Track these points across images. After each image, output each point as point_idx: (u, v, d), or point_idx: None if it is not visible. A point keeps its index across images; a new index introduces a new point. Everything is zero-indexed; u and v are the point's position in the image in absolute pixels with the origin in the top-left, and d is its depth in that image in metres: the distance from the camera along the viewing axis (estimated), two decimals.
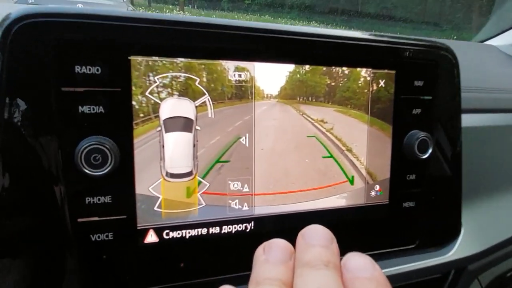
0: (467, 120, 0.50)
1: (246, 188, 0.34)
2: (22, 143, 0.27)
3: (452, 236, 0.44)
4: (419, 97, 0.40)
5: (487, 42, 1.18)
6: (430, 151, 0.39)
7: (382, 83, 0.38)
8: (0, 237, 0.27)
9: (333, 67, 0.36)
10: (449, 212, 0.43)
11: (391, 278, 0.39)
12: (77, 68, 0.27)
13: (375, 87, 0.38)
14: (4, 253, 0.28)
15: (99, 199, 0.29)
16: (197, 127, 0.32)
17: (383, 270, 0.39)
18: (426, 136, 0.39)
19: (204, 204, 0.33)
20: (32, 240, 0.28)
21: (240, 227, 0.34)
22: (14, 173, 0.27)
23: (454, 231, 0.44)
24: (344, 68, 0.37)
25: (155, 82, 0.30)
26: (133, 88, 0.29)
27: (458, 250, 0.43)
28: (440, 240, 0.43)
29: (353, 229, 0.39)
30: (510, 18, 1.17)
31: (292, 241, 0.36)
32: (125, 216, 0.30)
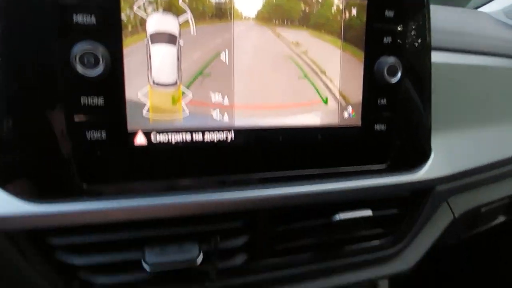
0: (444, 57, 0.53)
1: (226, 100, 0.38)
2: (26, 45, 0.31)
3: (422, 160, 0.47)
4: (390, 26, 0.43)
5: (482, 8, 1.20)
6: (398, 76, 0.42)
7: (354, 11, 0.41)
8: (8, 132, 0.31)
9: None
10: (419, 136, 0.47)
11: (366, 192, 0.43)
12: None
13: (347, 15, 0.41)
14: (12, 148, 0.32)
15: (93, 101, 0.33)
16: (181, 42, 0.35)
17: (357, 185, 0.42)
18: (395, 62, 0.42)
19: (188, 113, 0.37)
20: (36, 136, 0.32)
21: (221, 136, 0.38)
22: (19, 74, 0.31)
23: (423, 155, 0.47)
24: None
25: None
26: (122, 2, 0.33)
27: (426, 172, 0.47)
28: (410, 162, 0.47)
29: (328, 148, 0.43)
30: None
31: (266, 152, 0.40)
32: (117, 118, 0.34)
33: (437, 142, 0.49)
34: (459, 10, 1.28)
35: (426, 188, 0.48)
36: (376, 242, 0.49)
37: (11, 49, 0.31)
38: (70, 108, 0.32)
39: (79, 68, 0.31)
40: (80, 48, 0.31)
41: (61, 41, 0.31)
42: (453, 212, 0.55)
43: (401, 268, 0.51)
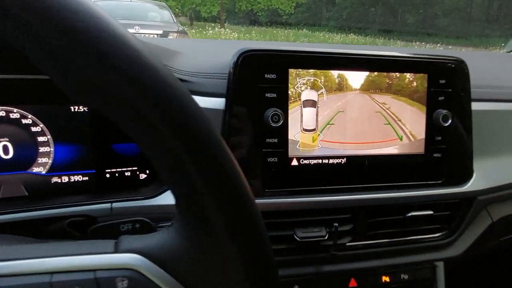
0: (484, 105, 0.75)
1: (342, 138, 0.62)
2: (244, 111, 0.57)
3: (466, 178, 0.69)
4: (443, 90, 0.66)
5: None
6: (449, 121, 0.65)
7: (419, 81, 0.65)
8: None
9: (390, 73, 0.64)
10: (464, 161, 0.69)
11: (428, 198, 0.65)
12: (266, 75, 0.57)
13: (415, 84, 0.65)
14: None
15: (272, 140, 0.59)
16: (318, 105, 0.61)
17: (422, 194, 0.65)
18: (447, 113, 0.65)
19: (320, 146, 0.61)
20: (244, 160, 0.58)
21: (339, 160, 0.62)
22: (242, 127, 0.57)
23: (468, 175, 0.69)
24: (397, 73, 0.64)
25: (299, 81, 0.59)
26: (289, 85, 0.59)
27: (470, 186, 0.69)
28: (458, 180, 0.69)
29: (402, 168, 0.66)
30: None
31: (365, 170, 0.63)
32: (283, 150, 0.59)
33: (478, 166, 0.71)
34: (495, 54, 1.48)
35: (469, 197, 0.69)
36: (434, 234, 0.70)
37: (240, 113, 0.57)
38: (261, 144, 0.58)
39: (270, 123, 0.57)
40: (270, 111, 0.57)
41: (260, 108, 0.57)
42: (491, 218, 0.76)
43: (452, 254, 0.72)
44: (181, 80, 0.59)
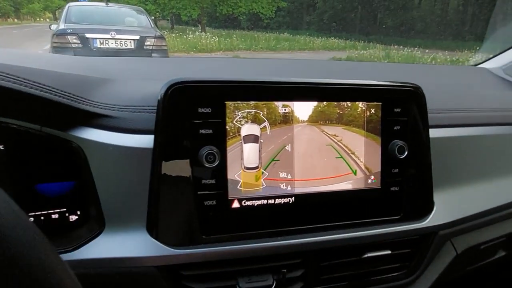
0: (444, 132, 0.71)
1: (289, 176, 0.56)
2: (175, 150, 0.50)
3: (426, 212, 0.64)
4: (398, 119, 0.61)
5: (483, 65, 1.37)
6: (406, 153, 0.60)
7: (373, 110, 0.60)
8: (161, 206, 0.51)
9: (341, 102, 0.59)
10: (423, 194, 0.64)
11: (385, 236, 0.60)
12: (200, 109, 0.51)
13: (368, 113, 0.60)
14: (162, 216, 0.51)
15: (209, 181, 0.52)
16: (261, 140, 0.55)
17: (379, 232, 0.59)
18: (403, 144, 0.60)
19: (265, 185, 0.55)
20: (175, 207, 0.51)
21: (286, 200, 0.56)
22: (171, 167, 0.50)
23: (427, 209, 0.65)
24: (348, 103, 0.59)
25: (238, 115, 0.53)
26: (227, 119, 0.53)
27: (430, 221, 0.64)
28: (418, 214, 0.64)
29: (357, 204, 0.60)
30: (501, 44, 1.37)
31: (316, 210, 0.57)
32: (222, 191, 0.53)
33: (439, 197, 0.66)
34: (461, 68, 1.46)
35: (430, 233, 0.65)
36: (394, 274, 0.65)
37: (171, 153, 0.50)
38: (196, 186, 0.52)
39: (205, 163, 0.51)
40: (204, 150, 0.51)
41: (192, 146, 0.51)
42: (456, 250, 0.72)
43: None
44: (104, 116, 0.52)
